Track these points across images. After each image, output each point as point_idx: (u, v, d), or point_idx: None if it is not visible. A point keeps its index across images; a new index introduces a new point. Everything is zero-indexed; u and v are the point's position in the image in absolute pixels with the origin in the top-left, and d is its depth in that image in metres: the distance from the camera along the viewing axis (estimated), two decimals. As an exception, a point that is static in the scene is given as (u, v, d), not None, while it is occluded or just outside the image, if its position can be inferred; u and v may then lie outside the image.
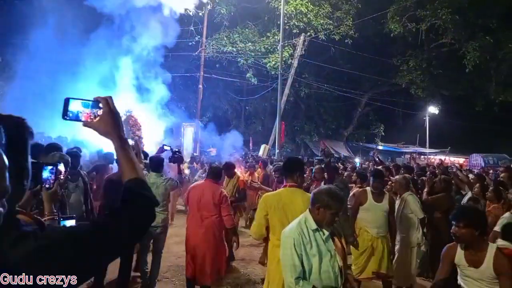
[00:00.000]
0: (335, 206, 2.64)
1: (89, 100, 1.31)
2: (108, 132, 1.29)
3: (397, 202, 5.42)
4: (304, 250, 2.65)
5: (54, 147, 4.20)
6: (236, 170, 7.39)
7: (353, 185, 7.21)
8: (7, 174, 0.92)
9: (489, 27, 19.24)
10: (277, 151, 18.12)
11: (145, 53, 15.45)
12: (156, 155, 5.54)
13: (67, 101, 1.30)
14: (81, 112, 1.30)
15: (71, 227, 1.10)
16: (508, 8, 18.60)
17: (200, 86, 19.75)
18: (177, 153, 5.82)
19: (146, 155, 6.45)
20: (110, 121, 1.29)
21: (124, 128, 1.36)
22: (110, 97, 1.32)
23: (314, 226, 2.69)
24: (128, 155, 1.30)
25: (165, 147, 5.78)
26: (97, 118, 1.29)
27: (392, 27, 20.79)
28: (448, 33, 20.17)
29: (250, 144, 21.87)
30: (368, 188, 5.12)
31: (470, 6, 19.22)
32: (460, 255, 2.94)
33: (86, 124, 1.30)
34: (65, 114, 1.29)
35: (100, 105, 1.30)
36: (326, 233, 2.71)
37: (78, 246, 1.01)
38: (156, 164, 5.21)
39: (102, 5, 13.90)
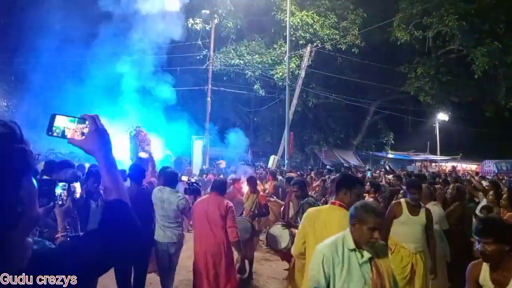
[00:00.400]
0: (371, 220, 2.40)
1: (75, 117, 1.29)
2: (93, 150, 1.27)
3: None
4: (333, 270, 2.44)
5: (66, 164, 4.27)
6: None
7: (366, 195, 7.13)
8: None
9: (497, 32, 19.14)
10: (286, 161, 18.09)
11: (150, 67, 15.69)
12: (170, 170, 5.40)
13: (52, 117, 1.28)
14: (67, 129, 1.28)
15: (52, 248, 1.09)
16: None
17: (209, 99, 19.90)
18: (194, 184, 5.57)
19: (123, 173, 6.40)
20: (96, 140, 1.26)
21: (112, 147, 1.34)
22: (97, 115, 1.30)
23: (352, 245, 2.46)
24: (113, 175, 1.28)
25: (141, 155, 5.68)
26: (83, 136, 1.28)
27: (399, 35, 20.80)
28: (456, 39, 20.09)
29: (249, 154, 21.80)
30: (403, 200, 4.83)
31: (477, 12, 19.18)
32: (485, 274, 2.63)
33: (71, 141, 1.28)
34: (49, 130, 1.27)
35: (87, 122, 1.28)
36: (366, 256, 2.44)
37: (47, 271, 0.98)
38: (170, 178, 4.99)
39: (109, 13, 14.17)
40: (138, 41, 15.30)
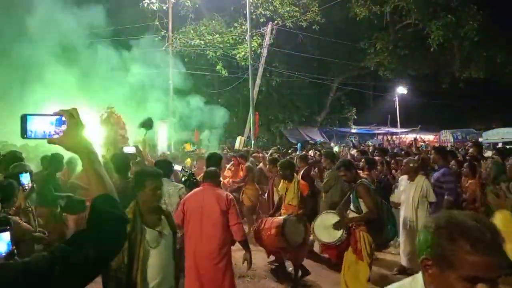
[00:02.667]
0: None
1: (50, 115, 1.22)
2: (74, 146, 1.21)
3: (409, 186, 5.28)
4: None
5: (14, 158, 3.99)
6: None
7: (360, 172, 6.57)
8: None
9: (450, 6, 19.71)
10: (252, 142, 18.06)
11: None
12: (163, 159, 5.12)
13: (24, 118, 1.20)
14: (42, 128, 1.21)
15: (24, 262, 0.97)
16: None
17: (170, 81, 19.35)
18: (193, 177, 5.05)
19: None
20: (76, 135, 1.21)
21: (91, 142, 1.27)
22: (75, 109, 1.23)
23: None
24: (97, 170, 1.22)
25: (126, 150, 5.26)
26: (61, 133, 1.21)
27: (357, 10, 20.97)
28: (412, 13, 20.53)
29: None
30: None
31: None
32: None
33: (50, 141, 1.21)
34: (24, 132, 1.20)
35: (63, 118, 1.21)
36: None
37: (34, 285, 0.89)
38: (163, 167, 4.27)
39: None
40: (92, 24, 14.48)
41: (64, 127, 1.21)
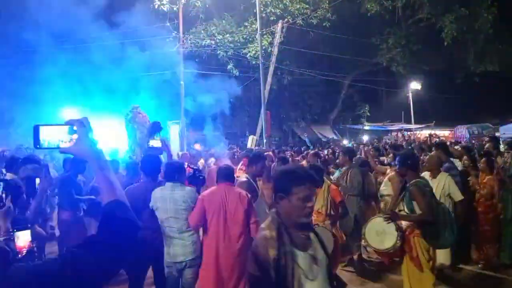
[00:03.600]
0: None
1: (61, 125, 1.27)
2: (85, 155, 1.25)
3: (431, 183, 4.86)
4: None
5: (30, 159, 4.06)
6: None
7: (388, 168, 6.37)
8: None
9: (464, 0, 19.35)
10: (264, 141, 18.04)
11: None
12: (173, 161, 4.52)
13: (36, 129, 1.24)
14: (55, 137, 1.26)
15: (36, 265, 0.99)
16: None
17: (182, 82, 19.46)
18: (197, 172, 4.73)
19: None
20: (87, 144, 1.24)
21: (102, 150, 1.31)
22: (86, 118, 1.28)
23: None
24: (107, 177, 1.25)
25: (153, 143, 4.74)
26: (72, 142, 1.25)
27: (369, 6, 20.74)
28: (424, 7, 20.22)
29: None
30: None
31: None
32: None
33: (62, 150, 1.26)
34: (37, 143, 1.25)
35: (74, 127, 1.25)
36: None
37: (45, 285, 0.93)
38: (170, 170, 3.96)
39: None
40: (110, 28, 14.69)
41: (75, 136, 1.25)
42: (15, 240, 2.19)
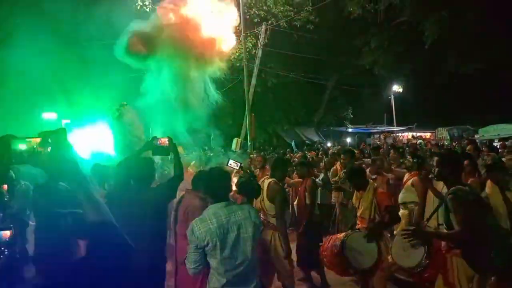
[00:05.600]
0: None
1: (34, 137, 1.25)
2: (59, 168, 1.25)
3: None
4: None
5: None
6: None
7: (405, 171, 6.02)
8: None
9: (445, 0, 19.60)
10: (249, 143, 17.95)
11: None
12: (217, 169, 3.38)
13: (6, 142, 1.26)
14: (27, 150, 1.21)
15: None
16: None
17: (165, 84, 19.19)
18: (256, 179, 4.02)
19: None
20: (61, 156, 1.21)
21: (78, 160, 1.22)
22: (63, 129, 1.23)
23: None
24: (88, 192, 1.19)
25: (161, 142, 3.64)
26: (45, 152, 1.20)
27: (351, 9, 20.93)
28: (406, 10, 20.51)
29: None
30: None
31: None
32: None
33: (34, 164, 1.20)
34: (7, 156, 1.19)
35: (49, 140, 1.23)
36: None
37: None
38: (219, 182, 3.00)
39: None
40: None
41: (49, 149, 1.23)
42: None
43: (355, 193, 4.56)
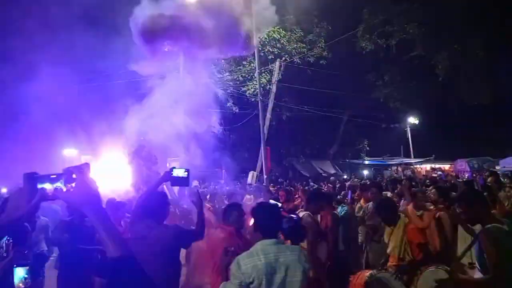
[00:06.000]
0: None
1: (58, 175, 1.21)
2: (80, 203, 1.19)
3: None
4: None
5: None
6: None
7: (431, 205, 5.55)
8: None
9: (456, 35, 19.93)
10: (265, 176, 17.98)
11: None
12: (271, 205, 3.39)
13: (31, 179, 1.21)
14: (51, 188, 1.20)
15: None
16: (469, 12, 19.27)
17: (182, 119, 19.67)
18: (298, 221, 3.82)
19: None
20: (85, 192, 1.18)
21: (100, 198, 1.25)
22: (87, 164, 1.23)
23: None
24: (109, 227, 1.18)
25: (176, 172, 3.53)
26: (69, 189, 1.20)
27: (364, 44, 21.40)
28: (418, 45, 20.84)
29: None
30: None
31: (436, 18, 20.02)
32: None
33: (56, 196, 1.20)
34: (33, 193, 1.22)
35: (73, 176, 1.20)
36: None
37: None
38: (272, 219, 2.86)
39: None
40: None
41: (73, 184, 1.19)
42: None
43: (385, 229, 4.32)
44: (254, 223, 2.94)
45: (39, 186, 1.19)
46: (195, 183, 15.57)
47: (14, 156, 13.41)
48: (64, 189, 1.18)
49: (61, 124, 13.43)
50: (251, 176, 18.02)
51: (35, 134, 12.77)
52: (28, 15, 13.36)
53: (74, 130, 13.73)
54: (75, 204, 1.20)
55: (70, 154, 17.33)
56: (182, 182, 3.70)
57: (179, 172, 3.62)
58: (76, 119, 13.94)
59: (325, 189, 9.92)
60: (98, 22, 14.50)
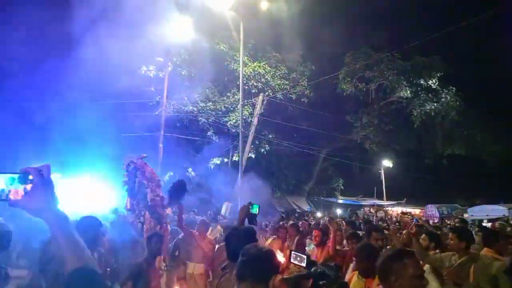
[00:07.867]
0: None
1: (14, 173, 1.07)
2: (40, 209, 1.05)
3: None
4: None
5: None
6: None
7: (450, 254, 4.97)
8: None
9: (431, 87, 21.08)
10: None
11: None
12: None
13: None
14: (7, 188, 1.06)
15: None
16: (445, 71, 20.60)
17: (160, 145, 19.50)
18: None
19: None
20: (42, 196, 1.05)
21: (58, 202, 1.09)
22: (47, 166, 1.08)
23: None
24: (70, 238, 1.05)
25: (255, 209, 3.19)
26: (25, 194, 1.06)
27: (344, 87, 22.22)
28: (395, 91, 21.81)
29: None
30: None
31: (412, 69, 21.14)
32: None
33: (12, 203, 1.05)
34: None
35: (30, 177, 1.06)
36: None
37: None
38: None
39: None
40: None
41: (28, 187, 1.06)
42: None
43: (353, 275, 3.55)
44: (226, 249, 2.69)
45: None
46: (168, 210, 15.18)
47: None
48: (20, 192, 1.04)
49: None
50: (225, 207, 17.80)
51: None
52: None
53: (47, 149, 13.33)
54: (32, 211, 1.06)
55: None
56: (254, 219, 3.32)
57: (254, 209, 3.26)
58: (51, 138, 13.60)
59: (301, 226, 9.92)
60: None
